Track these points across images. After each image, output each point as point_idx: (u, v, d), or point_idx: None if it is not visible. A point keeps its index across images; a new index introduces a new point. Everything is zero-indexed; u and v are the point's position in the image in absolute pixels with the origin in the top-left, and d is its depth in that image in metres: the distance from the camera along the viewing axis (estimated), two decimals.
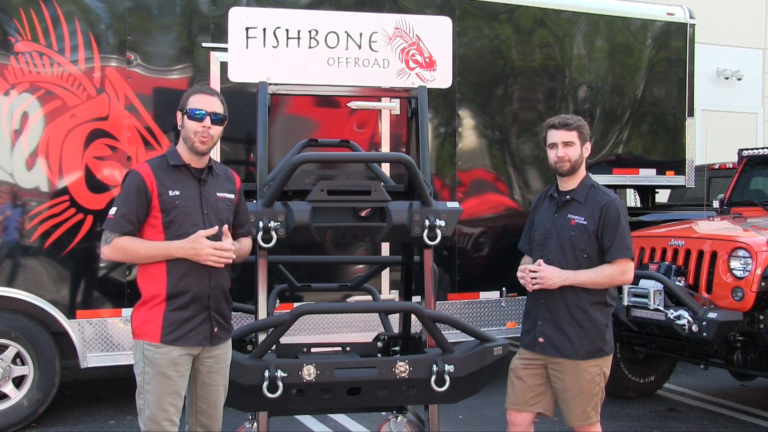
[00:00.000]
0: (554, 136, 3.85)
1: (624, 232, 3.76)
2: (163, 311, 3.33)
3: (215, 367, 3.48)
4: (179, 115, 3.44)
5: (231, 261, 3.39)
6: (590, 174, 3.97)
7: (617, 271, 3.74)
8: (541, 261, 3.79)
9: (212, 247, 3.28)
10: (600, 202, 3.78)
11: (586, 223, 3.77)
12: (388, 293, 6.43)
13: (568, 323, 3.76)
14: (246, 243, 3.60)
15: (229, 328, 3.55)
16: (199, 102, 3.39)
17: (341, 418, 5.88)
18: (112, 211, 3.32)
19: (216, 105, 3.42)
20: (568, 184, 3.88)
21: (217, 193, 3.48)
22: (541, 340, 3.83)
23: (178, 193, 3.35)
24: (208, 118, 3.38)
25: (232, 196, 3.54)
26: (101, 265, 5.78)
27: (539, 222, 3.96)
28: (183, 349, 3.34)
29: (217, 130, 3.44)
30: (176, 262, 3.32)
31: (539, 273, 3.75)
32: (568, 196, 3.86)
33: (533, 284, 3.78)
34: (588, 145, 3.88)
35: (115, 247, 3.30)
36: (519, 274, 3.86)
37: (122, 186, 3.38)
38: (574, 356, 3.74)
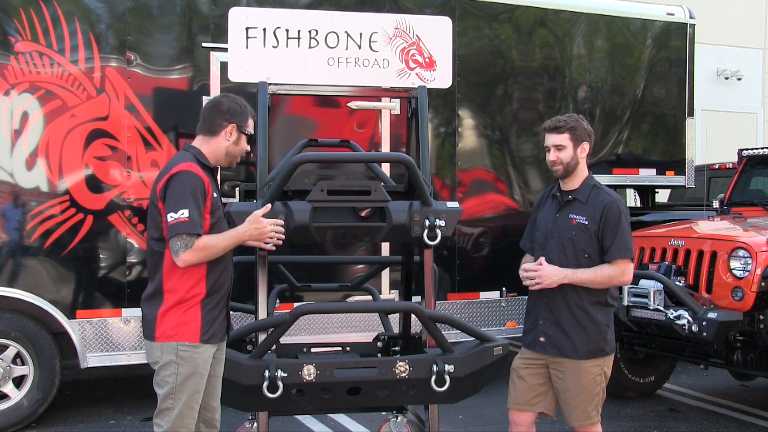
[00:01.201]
0: (547, 139, 3.88)
1: (624, 233, 3.75)
2: (201, 310, 3.36)
3: (221, 357, 3.58)
4: (234, 128, 3.49)
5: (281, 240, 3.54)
6: (593, 174, 3.97)
7: (616, 272, 3.74)
8: (542, 260, 3.79)
9: (272, 224, 3.43)
10: (601, 203, 3.78)
11: (587, 223, 3.76)
12: (388, 293, 6.43)
13: (568, 323, 3.76)
14: None
15: None
16: (253, 127, 3.60)
17: (341, 418, 5.88)
18: (184, 213, 3.18)
19: None
20: (569, 184, 3.88)
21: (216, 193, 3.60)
22: (542, 339, 3.83)
23: (217, 195, 3.44)
24: None
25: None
26: (101, 265, 5.78)
27: (541, 221, 3.96)
28: (212, 347, 3.42)
29: None
30: (215, 261, 3.37)
31: (538, 272, 3.76)
32: (570, 196, 3.86)
33: (533, 284, 3.78)
34: (585, 145, 3.87)
35: (198, 249, 3.23)
36: (520, 273, 3.86)
37: (181, 187, 3.24)
38: (575, 356, 3.74)
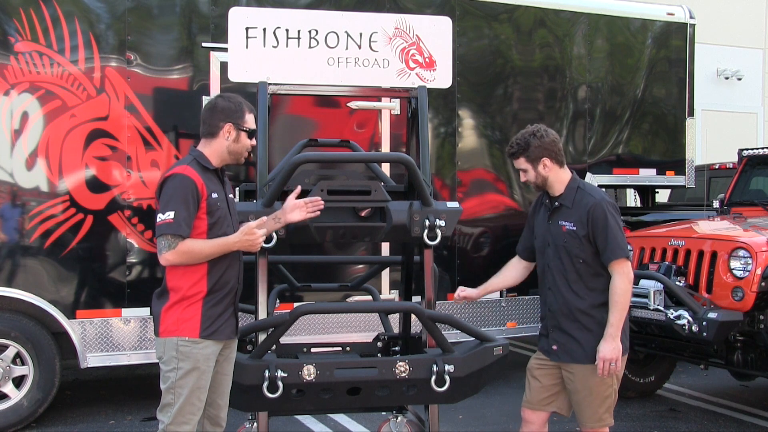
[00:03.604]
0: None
1: (615, 232, 3.69)
2: (201, 307, 3.42)
3: (230, 356, 3.61)
4: (231, 127, 3.53)
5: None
6: (576, 175, 3.91)
7: (622, 278, 3.68)
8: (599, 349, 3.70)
9: (263, 235, 3.48)
10: (586, 205, 3.73)
11: (575, 228, 3.73)
12: (388, 293, 6.43)
13: (575, 328, 3.74)
14: None
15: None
16: (253, 122, 3.61)
17: (341, 418, 5.88)
18: (170, 215, 3.30)
19: None
20: (554, 191, 3.86)
21: (229, 195, 3.64)
22: (554, 347, 3.82)
23: (216, 195, 3.48)
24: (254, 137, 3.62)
25: (232, 196, 3.70)
26: (101, 265, 5.77)
27: (537, 230, 3.95)
28: (215, 344, 3.46)
29: None
30: (217, 259, 3.43)
31: (603, 363, 3.64)
32: (557, 203, 3.85)
33: (615, 369, 3.67)
34: (545, 161, 3.79)
35: (181, 252, 3.32)
36: (601, 372, 3.70)
37: (170, 190, 3.37)
38: (585, 360, 3.72)
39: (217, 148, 3.54)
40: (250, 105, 3.63)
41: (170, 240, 3.31)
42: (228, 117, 3.53)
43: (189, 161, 3.50)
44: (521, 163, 3.85)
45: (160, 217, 3.33)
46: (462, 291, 4.04)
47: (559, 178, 3.84)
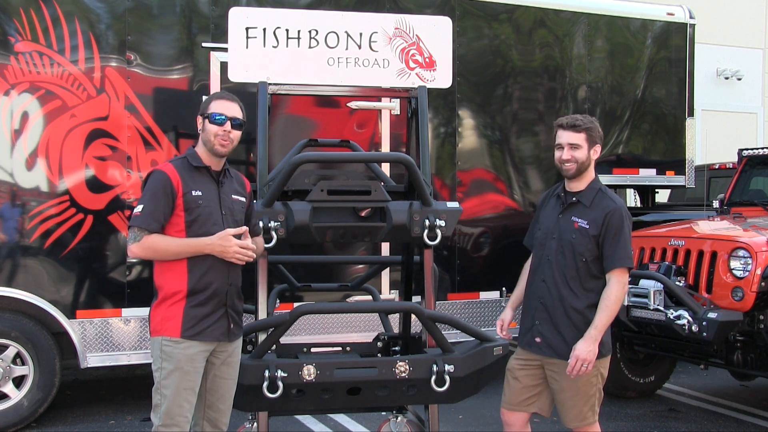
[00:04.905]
0: (562, 136, 3.79)
1: (626, 242, 3.71)
2: (184, 307, 3.40)
3: (229, 360, 3.57)
4: (200, 119, 3.54)
5: (251, 260, 3.54)
6: (599, 177, 3.90)
7: (619, 287, 3.68)
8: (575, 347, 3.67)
9: (238, 246, 3.41)
10: (605, 209, 3.73)
11: (588, 227, 3.72)
12: (388, 293, 6.43)
13: (564, 325, 3.74)
14: (259, 242, 3.73)
15: (241, 324, 3.65)
16: (220, 107, 3.52)
17: (341, 418, 5.88)
18: (139, 208, 3.36)
19: (236, 110, 3.56)
20: (575, 185, 3.84)
21: (232, 195, 3.60)
22: (538, 340, 3.81)
23: (200, 193, 3.45)
24: (228, 123, 3.51)
25: (243, 199, 3.66)
26: (101, 265, 5.77)
27: (543, 220, 3.93)
28: (201, 345, 3.42)
29: (237, 135, 3.56)
30: (198, 259, 3.41)
31: (576, 361, 3.61)
32: (574, 198, 3.82)
33: (585, 369, 3.62)
34: (597, 148, 3.80)
35: (145, 246, 3.34)
36: (571, 369, 3.67)
37: (146, 185, 3.43)
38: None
39: (200, 144, 3.56)
40: (227, 94, 3.58)
41: (137, 232, 3.34)
42: (199, 112, 3.57)
43: (176, 158, 3.54)
44: (580, 138, 3.75)
45: (134, 211, 3.40)
46: (503, 325, 3.98)
47: (590, 172, 3.84)
